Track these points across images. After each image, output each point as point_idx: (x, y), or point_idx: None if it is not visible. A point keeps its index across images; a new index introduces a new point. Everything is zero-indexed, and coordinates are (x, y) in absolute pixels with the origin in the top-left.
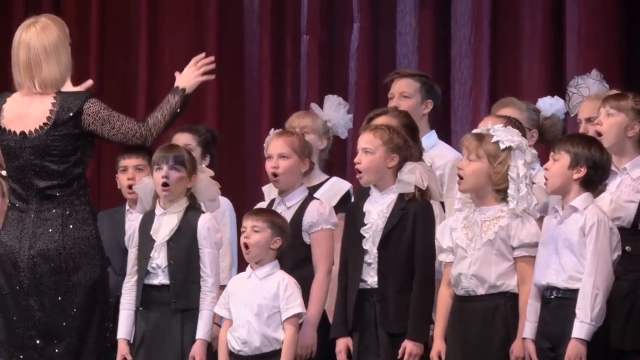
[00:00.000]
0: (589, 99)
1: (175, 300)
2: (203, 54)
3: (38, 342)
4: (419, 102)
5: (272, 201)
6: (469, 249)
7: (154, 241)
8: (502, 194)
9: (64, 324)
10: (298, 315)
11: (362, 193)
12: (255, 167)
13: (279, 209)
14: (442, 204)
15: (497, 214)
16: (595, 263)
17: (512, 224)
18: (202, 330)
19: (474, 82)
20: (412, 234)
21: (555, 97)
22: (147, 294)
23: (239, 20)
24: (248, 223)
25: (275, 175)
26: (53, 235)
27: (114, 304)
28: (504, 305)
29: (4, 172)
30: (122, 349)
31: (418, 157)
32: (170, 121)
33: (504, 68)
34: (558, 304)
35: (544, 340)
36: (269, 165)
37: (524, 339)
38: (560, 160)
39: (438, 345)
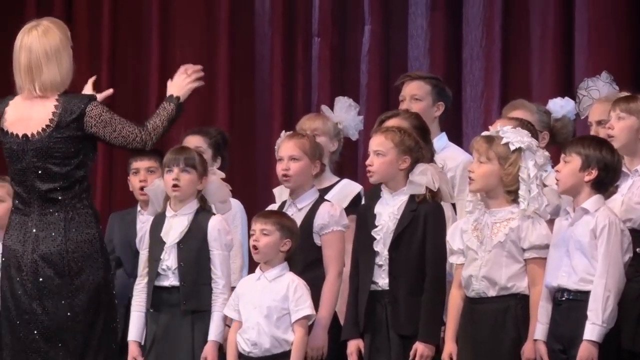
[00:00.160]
0: (599, 102)
1: (185, 302)
2: (191, 64)
3: (42, 345)
4: (430, 104)
5: (283, 203)
6: (479, 251)
7: (164, 243)
8: (512, 195)
9: (68, 327)
10: (307, 317)
11: (373, 195)
12: (266, 169)
13: (290, 210)
14: (454, 205)
15: (507, 215)
16: (606, 265)
17: (522, 226)
18: (213, 332)
19: (485, 85)
20: (423, 236)
21: (566, 98)
22: (157, 296)
23: (250, 22)
24: (257, 226)
25: (286, 176)
26: (56, 239)
27: (125, 305)
28: (514, 307)
29: None
30: (133, 351)
31: (430, 158)
32: (167, 127)
33: (515, 70)
34: (569, 305)
35: (555, 342)
36: (279, 168)
37: (535, 340)
38: (572, 162)
39: (449, 347)
